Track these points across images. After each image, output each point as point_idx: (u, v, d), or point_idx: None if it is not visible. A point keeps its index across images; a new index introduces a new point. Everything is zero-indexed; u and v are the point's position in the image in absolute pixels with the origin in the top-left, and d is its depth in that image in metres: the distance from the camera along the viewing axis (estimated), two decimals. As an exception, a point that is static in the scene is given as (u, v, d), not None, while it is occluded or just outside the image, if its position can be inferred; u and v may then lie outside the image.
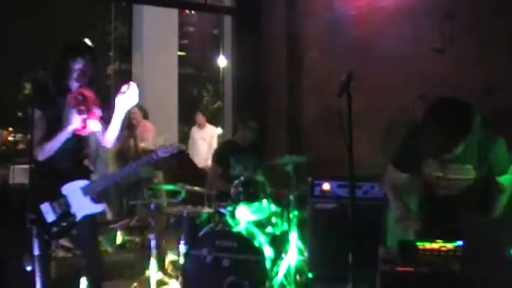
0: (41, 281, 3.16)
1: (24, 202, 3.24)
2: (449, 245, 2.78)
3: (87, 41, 3.61)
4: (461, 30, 4.83)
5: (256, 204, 4.64)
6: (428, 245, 2.80)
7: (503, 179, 3.17)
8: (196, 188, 5.07)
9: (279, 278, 4.54)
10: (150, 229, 4.69)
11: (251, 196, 4.61)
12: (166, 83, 9.52)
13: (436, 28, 4.96)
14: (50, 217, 3.48)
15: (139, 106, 7.62)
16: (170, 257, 4.95)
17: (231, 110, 7.93)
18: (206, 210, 4.85)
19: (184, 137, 9.01)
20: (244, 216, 4.59)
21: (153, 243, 4.55)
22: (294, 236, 4.82)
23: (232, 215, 4.56)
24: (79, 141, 3.60)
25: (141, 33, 9.66)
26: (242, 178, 4.73)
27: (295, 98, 6.95)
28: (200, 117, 8.58)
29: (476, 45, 4.71)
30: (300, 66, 6.89)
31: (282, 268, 4.63)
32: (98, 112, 3.56)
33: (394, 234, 3.56)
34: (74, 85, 3.53)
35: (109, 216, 7.30)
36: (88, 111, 3.50)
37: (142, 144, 7.28)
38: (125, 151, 7.33)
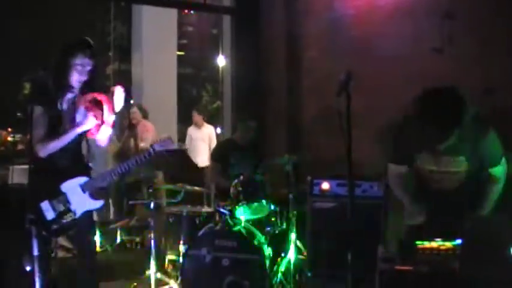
0: (40, 281, 3.17)
1: (24, 202, 3.25)
2: (449, 244, 2.78)
3: (88, 39, 3.63)
4: (461, 30, 4.82)
5: (255, 204, 4.64)
6: (427, 244, 2.80)
7: (495, 171, 3.16)
8: (196, 188, 5.08)
9: (279, 277, 4.54)
10: (150, 229, 4.69)
11: (250, 195, 4.61)
12: (165, 82, 9.52)
13: (436, 28, 4.96)
14: (50, 215, 3.50)
15: (139, 106, 7.63)
16: (170, 256, 4.95)
17: (230, 109, 7.93)
18: (206, 209, 4.85)
19: (184, 137, 9.00)
20: (243, 216, 4.60)
21: (152, 242, 4.56)
22: (293, 235, 4.82)
23: (232, 215, 4.56)
24: (80, 140, 3.63)
25: (141, 33, 9.66)
26: (241, 177, 4.73)
27: (294, 97, 6.95)
28: (197, 116, 8.57)
29: (476, 45, 4.71)
30: (300, 66, 6.89)
31: (281, 267, 4.64)
32: (112, 118, 3.60)
33: (394, 233, 3.57)
34: (75, 82, 3.54)
35: (111, 215, 7.32)
36: (103, 117, 3.56)
37: (142, 144, 7.28)
38: (125, 151, 7.33)
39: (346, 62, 5.76)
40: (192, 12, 16.57)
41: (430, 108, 2.88)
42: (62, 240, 5.34)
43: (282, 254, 4.78)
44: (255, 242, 4.31)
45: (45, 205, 3.49)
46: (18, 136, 15.96)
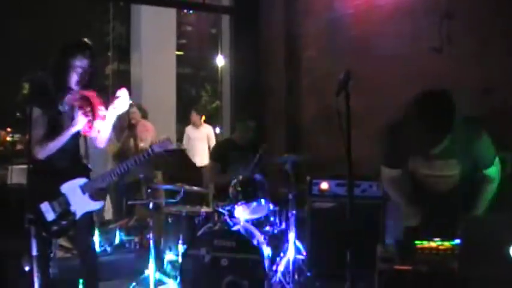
0: (39, 281, 3.17)
1: (23, 202, 3.25)
2: (448, 244, 2.78)
3: (87, 40, 3.64)
4: (460, 30, 4.82)
5: (254, 204, 4.64)
6: (426, 244, 2.80)
7: (490, 171, 3.16)
8: (195, 188, 5.08)
9: (278, 277, 4.54)
10: (149, 229, 4.69)
11: (249, 195, 4.61)
12: (164, 82, 9.51)
13: (435, 27, 4.96)
14: (50, 216, 3.51)
15: (138, 106, 7.62)
16: (169, 256, 4.94)
17: (229, 109, 7.92)
18: (205, 209, 4.84)
19: (182, 136, 9.01)
20: (242, 216, 4.60)
21: (151, 242, 4.56)
22: (292, 235, 4.82)
23: (231, 215, 4.56)
24: (78, 141, 3.62)
25: (139, 33, 9.65)
26: (240, 177, 4.73)
27: (294, 97, 6.95)
28: (194, 116, 8.56)
29: (475, 45, 4.71)
30: (299, 66, 6.89)
31: (280, 267, 4.64)
32: (102, 112, 3.60)
33: (393, 233, 3.57)
34: (74, 83, 3.54)
35: (109, 214, 7.30)
36: (94, 113, 3.55)
37: (141, 144, 7.27)
38: (125, 151, 7.32)
39: (346, 62, 5.77)
40: (191, 12, 16.55)
41: (422, 113, 2.87)
42: (61, 240, 5.33)
43: (281, 254, 4.78)
44: (254, 242, 4.31)
45: (45, 206, 3.50)
46: (17, 136, 15.97)
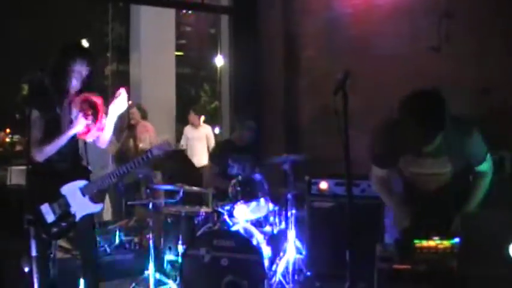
0: (38, 282, 3.16)
1: (22, 203, 3.25)
2: (447, 243, 2.79)
3: (85, 43, 3.65)
4: (459, 29, 4.82)
5: (254, 203, 4.64)
6: (425, 243, 2.80)
7: (482, 167, 3.15)
8: (194, 188, 5.08)
9: (278, 277, 4.55)
10: (149, 229, 4.69)
11: (249, 195, 4.61)
12: (164, 83, 9.50)
13: (434, 27, 4.96)
14: (50, 218, 3.51)
15: (138, 106, 7.62)
16: (168, 256, 4.95)
17: (229, 109, 7.92)
18: (204, 209, 4.85)
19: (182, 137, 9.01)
20: (242, 216, 4.60)
21: (151, 243, 4.56)
22: (291, 235, 4.83)
23: (230, 214, 4.56)
24: (78, 143, 3.63)
25: (139, 34, 9.64)
26: (240, 177, 4.73)
27: (292, 97, 6.95)
28: (193, 116, 8.56)
29: (474, 44, 4.71)
30: (298, 65, 6.89)
31: (280, 267, 4.64)
32: (104, 121, 3.60)
33: (392, 232, 3.56)
34: (72, 86, 3.55)
35: (108, 214, 7.30)
36: (95, 119, 3.55)
37: (141, 145, 7.28)
38: (125, 151, 7.33)
39: (344, 61, 5.76)
40: (190, 12, 16.55)
41: (413, 111, 2.86)
42: (61, 241, 5.33)
43: (281, 254, 4.78)
44: (254, 242, 4.31)
45: (45, 208, 3.50)
46: (16, 137, 15.97)
